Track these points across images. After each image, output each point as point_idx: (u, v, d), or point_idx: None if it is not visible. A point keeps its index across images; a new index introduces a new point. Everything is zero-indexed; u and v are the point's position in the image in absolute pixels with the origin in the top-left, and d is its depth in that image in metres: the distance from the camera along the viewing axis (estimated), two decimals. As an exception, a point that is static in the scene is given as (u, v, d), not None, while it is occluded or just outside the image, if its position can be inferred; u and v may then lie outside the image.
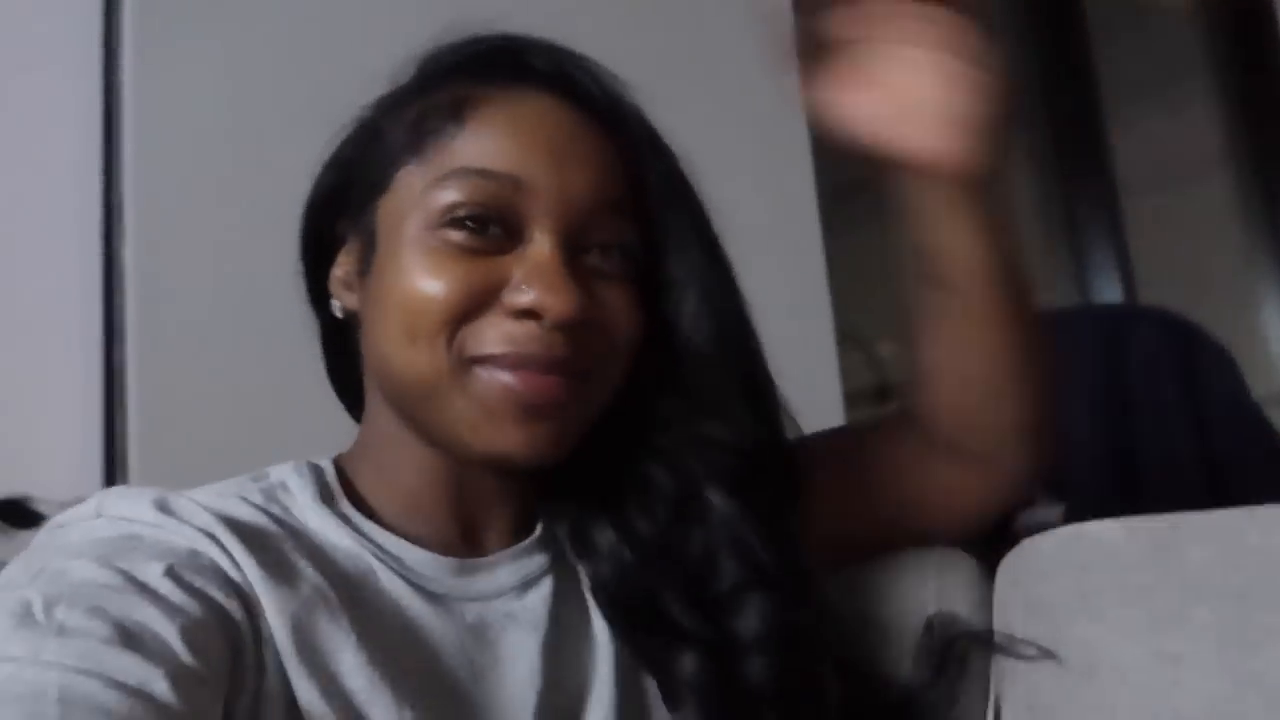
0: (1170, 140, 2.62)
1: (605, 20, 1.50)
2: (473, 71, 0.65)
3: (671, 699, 0.64)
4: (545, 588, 0.65)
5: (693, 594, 0.64)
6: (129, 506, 0.57)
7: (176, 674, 0.46)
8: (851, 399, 1.79)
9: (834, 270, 1.84)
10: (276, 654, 0.54)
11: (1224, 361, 1.37)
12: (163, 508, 0.57)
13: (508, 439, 0.59)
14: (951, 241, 0.66)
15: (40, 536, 0.57)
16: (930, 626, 0.72)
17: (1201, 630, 0.68)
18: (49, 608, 0.47)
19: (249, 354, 1.29)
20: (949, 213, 0.65)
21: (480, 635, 0.62)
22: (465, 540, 0.65)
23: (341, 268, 0.67)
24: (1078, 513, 1.36)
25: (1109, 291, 2.48)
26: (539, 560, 0.66)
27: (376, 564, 0.61)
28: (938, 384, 0.72)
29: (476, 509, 0.66)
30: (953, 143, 0.60)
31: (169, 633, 0.48)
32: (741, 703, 0.62)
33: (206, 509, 0.57)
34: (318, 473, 0.65)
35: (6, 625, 0.46)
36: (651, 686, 0.65)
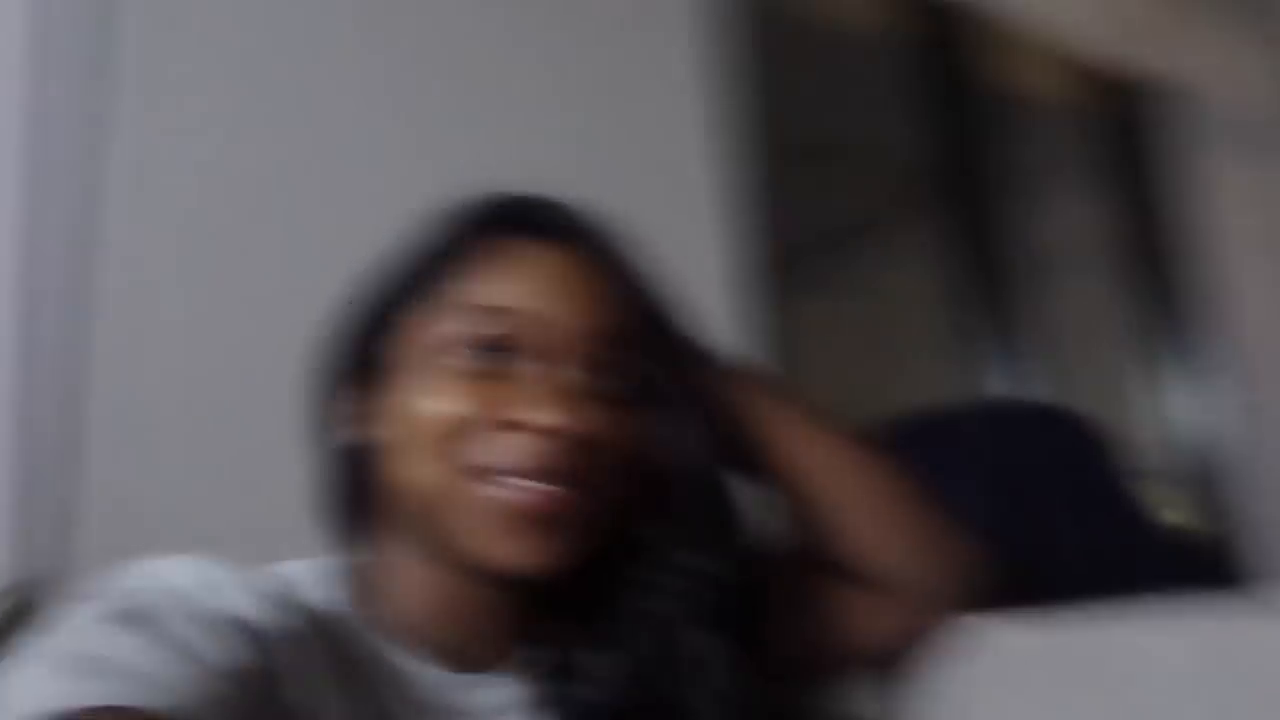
0: (1055, 233, 2.76)
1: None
2: (480, 224, 0.73)
3: None
4: (530, 713, 0.69)
5: None
6: (180, 574, 0.61)
7: (236, 679, 0.56)
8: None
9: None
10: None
11: (1106, 452, 1.45)
12: (207, 582, 0.61)
13: (507, 550, 0.64)
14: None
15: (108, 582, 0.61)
16: None
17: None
18: (146, 622, 0.55)
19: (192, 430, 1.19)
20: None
21: None
22: (463, 657, 0.69)
23: (350, 400, 0.71)
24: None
25: (997, 376, 2.59)
26: (525, 684, 0.70)
27: (380, 671, 0.65)
28: (830, 534, 0.78)
29: (477, 626, 0.70)
30: None
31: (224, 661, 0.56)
32: None
33: (243, 586, 0.62)
34: (328, 573, 0.70)
35: (114, 627, 0.54)
36: None
